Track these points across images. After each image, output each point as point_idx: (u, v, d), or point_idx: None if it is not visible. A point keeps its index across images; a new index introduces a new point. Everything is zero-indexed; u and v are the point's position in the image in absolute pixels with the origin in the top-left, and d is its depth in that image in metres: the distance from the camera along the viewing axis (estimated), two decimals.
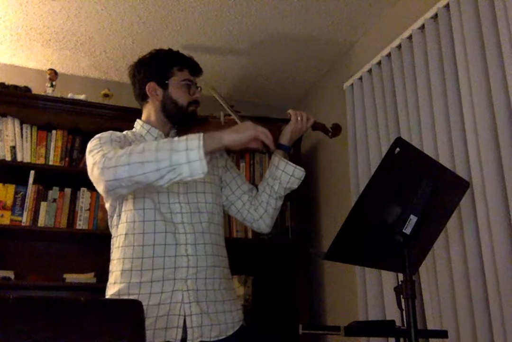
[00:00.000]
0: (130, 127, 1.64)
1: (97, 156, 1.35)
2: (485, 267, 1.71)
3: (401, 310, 1.26)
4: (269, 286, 2.96)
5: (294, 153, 2.68)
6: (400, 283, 1.25)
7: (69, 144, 2.72)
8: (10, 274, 2.51)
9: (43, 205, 2.57)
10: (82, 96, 2.75)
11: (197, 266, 1.42)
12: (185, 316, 1.38)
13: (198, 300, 1.40)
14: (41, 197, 2.58)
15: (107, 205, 1.53)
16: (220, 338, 1.42)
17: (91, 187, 1.41)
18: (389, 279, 2.19)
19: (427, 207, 1.24)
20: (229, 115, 1.57)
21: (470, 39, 1.88)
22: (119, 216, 1.49)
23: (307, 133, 1.75)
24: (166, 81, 1.57)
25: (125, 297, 1.37)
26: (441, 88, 2.03)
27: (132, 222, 1.44)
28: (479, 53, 1.85)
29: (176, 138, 1.30)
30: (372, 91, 2.54)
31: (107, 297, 1.44)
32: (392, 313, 2.11)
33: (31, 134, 2.67)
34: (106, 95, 2.91)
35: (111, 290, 1.44)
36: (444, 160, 1.93)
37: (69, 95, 2.74)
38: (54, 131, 2.71)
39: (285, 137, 1.61)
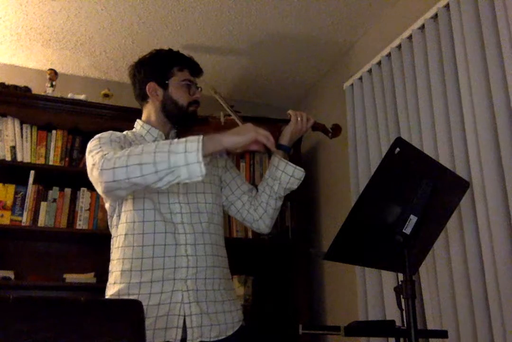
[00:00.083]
0: (130, 127, 1.64)
1: (96, 157, 1.34)
2: (485, 267, 1.71)
3: (401, 310, 1.26)
4: (269, 286, 2.96)
5: (294, 154, 2.69)
6: (400, 283, 1.25)
7: (69, 144, 2.72)
8: (10, 274, 2.51)
9: (43, 205, 2.57)
10: (82, 96, 2.75)
11: (196, 266, 1.42)
12: (185, 316, 1.38)
13: (198, 300, 1.40)
14: (41, 197, 2.58)
15: (106, 205, 1.53)
16: (220, 338, 1.42)
17: (91, 187, 1.41)
18: (389, 279, 2.19)
19: (427, 207, 1.24)
20: (229, 115, 1.57)
21: (470, 39, 1.88)
22: (119, 216, 1.49)
23: (307, 133, 1.75)
24: (166, 81, 1.57)
25: (125, 297, 1.37)
26: (441, 88, 2.03)
27: (131, 222, 1.44)
28: (479, 53, 1.85)
29: (175, 140, 1.29)
30: (372, 91, 2.54)
31: (107, 297, 1.44)
32: (392, 313, 2.12)
33: (31, 134, 2.67)
34: (106, 95, 2.91)
35: (111, 290, 1.43)
36: (444, 160, 1.93)
37: (69, 95, 2.74)
38: (54, 131, 2.71)
39: (285, 138, 1.61)
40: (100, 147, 1.39)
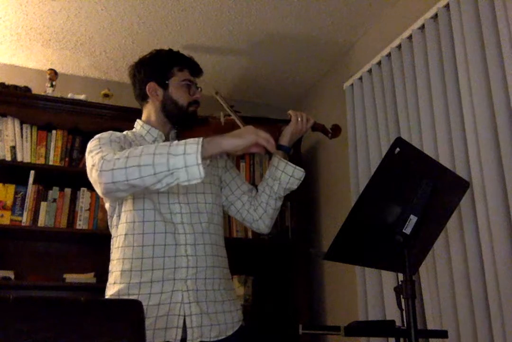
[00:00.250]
0: (130, 127, 1.64)
1: (96, 157, 1.34)
2: (485, 267, 1.71)
3: (401, 310, 1.26)
4: (269, 286, 2.96)
5: (294, 154, 2.68)
6: (400, 283, 1.25)
7: (69, 144, 2.72)
8: (10, 274, 2.51)
9: (43, 205, 2.57)
10: (82, 96, 2.75)
11: (196, 266, 1.42)
12: (184, 316, 1.38)
13: (198, 300, 1.40)
14: (41, 197, 2.58)
15: (106, 205, 1.53)
16: (220, 338, 1.42)
17: (91, 187, 1.41)
18: (389, 279, 2.19)
19: (427, 207, 1.24)
20: (229, 115, 1.57)
21: (470, 39, 1.88)
22: (119, 216, 1.49)
23: (307, 133, 1.75)
24: (166, 82, 1.57)
25: (125, 297, 1.37)
26: (441, 88, 2.03)
27: (131, 222, 1.44)
28: (479, 53, 1.85)
29: (174, 142, 1.29)
30: (372, 91, 2.54)
31: (106, 297, 1.44)
32: (392, 313, 2.12)
33: (31, 134, 2.67)
34: (106, 95, 2.91)
35: (111, 290, 1.43)
36: (444, 160, 1.93)
37: (69, 95, 2.74)
38: (54, 131, 2.71)
39: (285, 138, 1.61)
40: (100, 148, 1.39)
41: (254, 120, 1.59)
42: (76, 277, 2.61)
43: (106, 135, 1.48)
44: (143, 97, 1.61)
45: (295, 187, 1.60)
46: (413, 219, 1.23)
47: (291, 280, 2.93)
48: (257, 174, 3.03)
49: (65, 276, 2.60)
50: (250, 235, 2.92)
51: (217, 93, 1.62)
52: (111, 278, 1.46)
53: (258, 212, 1.62)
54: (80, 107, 2.70)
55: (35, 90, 2.74)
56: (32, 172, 2.57)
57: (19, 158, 2.60)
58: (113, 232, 1.52)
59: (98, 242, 2.52)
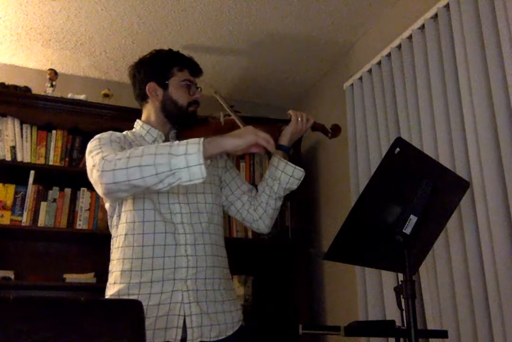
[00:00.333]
0: (130, 127, 1.64)
1: (96, 158, 1.34)
2: (485, 267, 1.71)
3: (401, 310, 1.26)
4: (269, 286, 2.96)
5: (294, 154, 2.68)
6: (400, 283, 1.25)
7: (69, 144, 2.72)
8: (10, 274, 2.51)
9: (43, 205, 2.57)
10: (82, 96, 2.76)
11: (196, 266, 1.42)
12: (185, 316, 1.38)
13: (198, 300, 1.40)
14: (41, 197, 2.58)
15: (106, 205, 1.53)
16: (220, 338, 1.42)
17: (91, 187, 1.41)
18: (389, 279, 2.19)
19: (427, 207, 1.24)
20: (229, 115, 1.57)
21: (470, 39, 1.88)
22: (119, 216, 1.49)
23: (307, 133, 1.75)
24: (166, 82, 1.57)
25: (125, 297, 1.37)
26: (441, 88, 2.03)
27: (131, 222, 1.44)
28: (479, 53, 1.85)
29: (176, 142, 1.29)
30: (372, 91, 2.54)
31: (106, 297, 1.44)
32: (392, 313, 2.12)
33: (31, 134, 2.67)
34: (106, 95, 2.91)
35: (111, 290, 1.43)
36: (444, 160, 1.93)
37: (69, 95, 2.74)
38: (54, 131, 2.71)
39: (285, 138, 1.61)
40: (100, 148, 1.39)
41: (254, 120, 1.59)
42: (76, 277, 2.61)
43: (106, 136, 1.48)
44: (143, 97, 1.61)
45: (295, 186, 1.60)
46: (413, 219, 1.23)
47: (291, 280, 2.93)
48: (257, 173, 3.03)
49: (65, 276, 2.61)
50: (250, 235, 2.92)
51: (216, 92, 1.62)
52: (111, 278, 1.46)
53: (258, 212, 1.62)
54: (80, 107, 2.71)
55: (35, 90, 2.74)
56: (32, 172, 2.57)
57: (19, 158, 2.60)
58: (113, 232, 1.52)
59: (98, 242, 2.52)
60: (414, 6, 2.33)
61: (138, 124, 1.62)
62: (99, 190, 1.34)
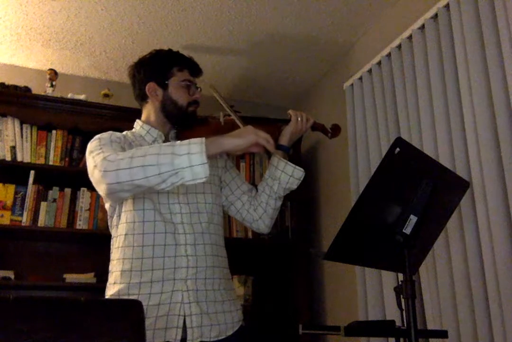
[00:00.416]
0: (130, 127, 1.64)
1: (98, 158, 1.34)
2: (485, 267, 1.71)
3: (401, 310, 1.26)
4: (269, 286, 2.96)
5: (294, 154, 2.68)
6: (400, 283, 1.25)
7: (69, 144, 2.72)
8: (10, 274, 2.51)
9: (43, 205, 2.57)
10: (82, 96, 2.76)
11: (196, 266, 1.42)
12: (185, 316, 1.38)
13: (198, 300, 1.40)
14: (41, 197, 2.58)
15: (107, 206, 1.53)
16: (220, 338, 1.42)
17: (91, 187, 1.41)
18: (389, 279, 2.19)
19: (427, 207, 1.24)
20: (229, 115, 1.57)
21: (470, 39, 1.88)
22: (119, 216, 1.49)
23: (307, 133, 1.75)
24: (166, 82, 1.57)
25: (125, 297, 1.37)
26: (441, 88, 2.03)
27: (132, 222, 1.44)
28: (479, 53, 1.85)
29: (178, 142, 1.30)
30: (372, 91, 2.54)
31: (107, 297, 1.44)
32: (392, 313, 2.11)
33: (31, 134, 2.67)
34: (106, 95, 2.91)
35: (111, 290, 1.43)
36: (444, 160, 1.93)
37: (69, 95, 2.74)
38: (54, 131, 2.71)
39: (285, 138, 1.61)
40: (101, 148, 1.39)
41: (254, 120, 1.59)
42: (76, 277, 2.61)
43: (106, 136, 1.48)
44: (142, 98, 1.61)
45: (295, 186, 1.60)
46: (413, 219, 1.23)
47: (291, 280, 2.93)
48: (257, 173, 3.03)
49: (65, 276, 2.60)
50: (250, 235, 2.92)
51: (214, 90, 1.62)
52: (111, 278, 1.46)
53: (258, 211, 1.62)
54: (80, 107, 2.70)
55: (35, 90, 2.74)
56: (32, 172, 2.58)
57: (19, 158, 2.60)
58: (113, 232, 1.52)
59: (98, 242, 2.52)
60: (414, 6, 2.33)
61: (138, 124, 1.62)
62: (101, 190, 1.34)
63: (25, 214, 2.52)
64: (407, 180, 1.24)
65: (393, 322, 1.34)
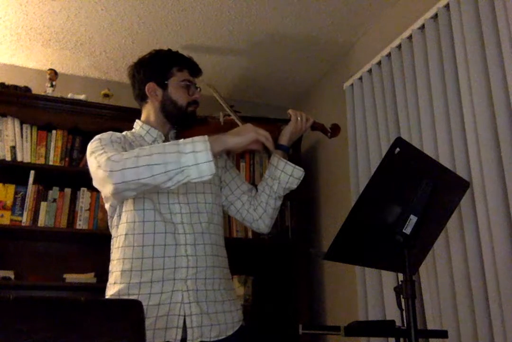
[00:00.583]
0: (130, 127, 1.64)
1: (101, 158, 1.34)
2: (485, 267, 1.71)
3: (401, 310, 1.26)
4: (269, 286, 2.96)
5: (294, 154, 2.69)
6: (400, 283, 1.25)
7: (69, 144, 2.72)
8: (10, 274, 2.51)
9: (43, 205, 2.57)
10: (82, 96, 2.76)
11: (196, 266, 1.42)
12: (185, 316, 1.38)
13: (198, 300, 1.40)
14: (41, 197, 2.58)
15: (106, 206, 1.53)
16: (220, 338, 1.42)
17: (91, 187, 1.41)
18: (389, 279, 2.19)
19: (427, 207, 1.24)
20: (229, 115, 1.57)
21: (470, 39, 1.88)
22: (119, 216, 1.49)
23: (307, 133, 1.75)
24: (166, 82, 1.57)
25: (125, 297, 1.37)
26: (441, 88, 2.03)
27: (132, 222, 1.44)
28: (479, 53, 1.85)
29: (181, 140, 1.31)
30: (372, 91, 2.54)
31: (107, 297, 1.44)
32: (392, 313, 2.12)
33: (31, 134, 2.67)
34: (106, 95, 2.91)
35: (111, 290, 1.43)
36: (444, 160, 1.93)
37: (69, 95, 2.74)
38: (54, 131, 2.71)
39: (285, 137, 1.61)
40: (103, 148, 1.39)
41: (254, 120, 1.59)
42: (76, 277, 2.61)
43: (106, 136, 1.48)
44: (142, 98, 1.61)
45: (294, 186, 1.60)
46: (413, 219, 1.23)
47: (291, 280, 2.93)
48: (257, 173, 3.03)
49: (65, 276, 2.60)
50: (250, 235, 2.92)
51: (214, 90, 1.62)
52: (111, 278, 1.46)
53: (258, 211, 1.62)
54: (80, 107, 2.71)
55: (35, 90, 2.74)
56: (32, 172, 2.57)
57: (19, 158, 2.60)
58: (113, 232, 1.52)
59: (98, 242, 2.52)
60: (414, 6, 2.33)
61: (137, 124, 1.62)
62: (106, 190, 1.34)
63: (25, 214, 2.52)
64: (407, 180, 1.24)
65: (393, 322, 1.34)
